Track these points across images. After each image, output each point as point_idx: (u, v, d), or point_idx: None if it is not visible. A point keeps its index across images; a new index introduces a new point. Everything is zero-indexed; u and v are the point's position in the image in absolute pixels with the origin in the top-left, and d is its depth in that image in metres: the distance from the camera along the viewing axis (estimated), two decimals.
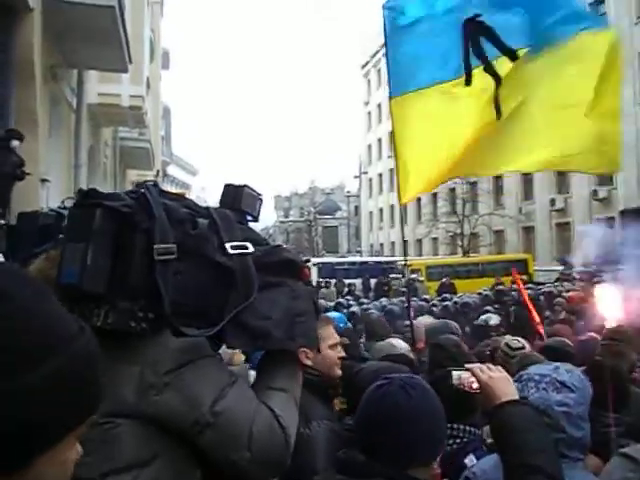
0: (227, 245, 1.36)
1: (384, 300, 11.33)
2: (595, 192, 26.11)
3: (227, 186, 1.58)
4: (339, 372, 2.37)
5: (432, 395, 1.53)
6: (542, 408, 1.77)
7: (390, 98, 4.74)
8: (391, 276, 21.68)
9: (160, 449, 1.28)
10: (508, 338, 3.72)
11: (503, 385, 1.65)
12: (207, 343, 1.35)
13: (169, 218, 1.32)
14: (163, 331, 1.29)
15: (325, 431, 2.12)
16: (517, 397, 1.66)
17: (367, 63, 53.42)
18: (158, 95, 24.03)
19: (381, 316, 6.62)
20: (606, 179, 26.00)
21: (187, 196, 1.63)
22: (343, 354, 2.45)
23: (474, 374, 1.70)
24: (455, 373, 1.74)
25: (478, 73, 4.49)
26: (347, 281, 22.10)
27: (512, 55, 4.40)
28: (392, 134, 4.82)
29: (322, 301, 10.58)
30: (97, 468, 1.22)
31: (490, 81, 4.46)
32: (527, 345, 3.54)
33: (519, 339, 3.61)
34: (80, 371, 0.72)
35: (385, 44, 4.74)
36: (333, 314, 5.74)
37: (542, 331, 5.11)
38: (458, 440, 2.42)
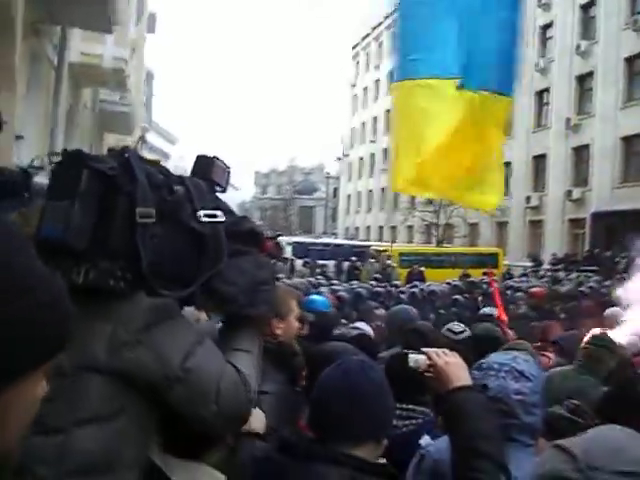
0: (200, 212, 1.42)
1: (355, 283, 11.42)
2: (569, 192, 26.55)
3: (199, 157, 1.64)
4: (295, 345, 2.50)
5: (384, 377, 1.59)
6: (500, 396, 1.85)
7: (392, 83, 4.80)
8: (370, 260, 21.89)
9: (126, 404, 1.33)
10: (450, 324, 3.80)
11: (458, 370, 1.71)
12: (177, 304, 1.41)
13: (149, 183, 1.37)
14: (137, 291, 1.34)
15: (275, 395, 2.19)
16: (470, 383, 1.72)
17: (357, 45, 53.01)
18: (142, 59, 23.53)
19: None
20: (582, 180, 26.46)
21: (164, 164, 1.67)
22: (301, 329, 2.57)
23: (430, 358, 1.75)
24: (412, 356, 1.78)
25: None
26: (320, 262, 22.18)
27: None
28: (391, 117, 4.87)
29: (296, 278, 10.64)
30: (65, 417, 1.28)
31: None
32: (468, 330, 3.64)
33: (460, 324, 3.72)
34: (50, 310, 0.76)
35: (397, 19, 4.79)
36: (316, 297, 5.77)
37: (504, 327, 5.19)
38: (414, 421, 2.51)
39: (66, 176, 1.35)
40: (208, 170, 1.60)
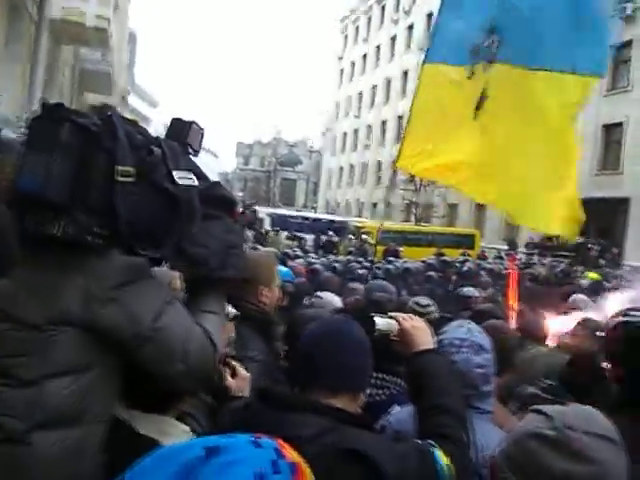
0: (175, 175, 1.44)
1: (331, 257, 11.50)
2: None
3: (175, 120, 1.65)
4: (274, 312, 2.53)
5: (366, 336, 1.63)
6: (464, 371, 1.93)
7: (424, 63, 4.74)
8: (349, 236, 22.01)
9: (96, 358, 1.36)
10: (417, 297, 3.87)
11: (423, 334, 1.79)
12: (148, 264, 1.44)
13: (129, 142, 1.38)
14: (111, 249, 1.37)
15: (260, 362, 2.21)
16: (434, 347, 1.81)
17: (346, 18, 52.28)
18: (126, 19, 22.94)
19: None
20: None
21: (148, 127, 1.68)
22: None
23: (398, 321, 1.81)
24: (379, 320, 1.81)
25: (478, 69, 4.44)
26: (298, 235, 22.22)
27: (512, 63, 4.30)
28: (413, 98, 4.80)
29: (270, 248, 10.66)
30: (37, 370, 1.30)
31: (481, 83, 4.42)
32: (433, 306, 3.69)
33: (426, 298, 3.78)
34: None
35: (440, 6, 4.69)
36: (281, 268, 5.76)
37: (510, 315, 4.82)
38: (387, 391, 2.57)
39: (46, 129, 1.34)
40: (184, 133, 1.61)
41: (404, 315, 1.85)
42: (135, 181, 1.37)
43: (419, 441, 1.51)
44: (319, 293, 3.64)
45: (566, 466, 1.13)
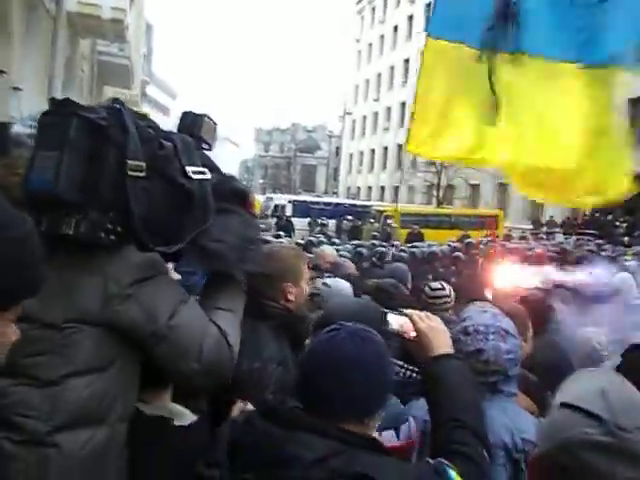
0: (188, 169, 1.41)
1: (355, 242, 11.45)
2: None
3: (186, 113, 1.62)
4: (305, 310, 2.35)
5: (380, 351, 1.43)
6: (493, 359, 1.87)
7: (427, 36, 4.58)
8: (371, 220, 21.91)
9: (116, 356, 1.36)
10: (431, 282, 3.78)
11: (441, 336, 1.62)
12: (163, 261, 1.42)
13: (139, 136, 1.35)
14: (125, 245, 1.35)
15: (283, 363, 2.07)
16: (452, 351, 1.64)
17: None
18: (142, 10, 22.94)
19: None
20: None
21: (165, 119, 1.65)
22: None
23: (412, 321, 1.65)
24: (392, 317, 1.66)
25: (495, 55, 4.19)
26: (321, 221, 22.19)
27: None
28: (418, 74, 4.65)
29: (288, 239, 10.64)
30: (56, 370, 1.30)
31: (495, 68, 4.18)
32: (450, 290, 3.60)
33: (442, 282, 3.69)
34: (17, 255, 0.75)
35: None
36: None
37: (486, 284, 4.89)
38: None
39: (55, 125, 1.32)
40: (196, 127, 1.58)
41: (420, 314, 1.68)
42: (147, 176, 1.34)
43: (432, 461, 1.37)
44: (327, 280, 3.40)
45: (631, 474, 1.03)
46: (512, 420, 1.84)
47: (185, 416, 1.53)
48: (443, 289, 3.56)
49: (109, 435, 1.34)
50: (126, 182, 1.31)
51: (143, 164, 1.34)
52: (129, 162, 1.32)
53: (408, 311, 1.70)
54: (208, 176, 1.46)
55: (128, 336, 1.35)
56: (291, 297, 2.16)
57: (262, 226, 17.14)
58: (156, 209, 1.36)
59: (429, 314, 1.71)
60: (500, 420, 1.82)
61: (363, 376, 1.36)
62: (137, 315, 1.34)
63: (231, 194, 1.55)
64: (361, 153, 50.54)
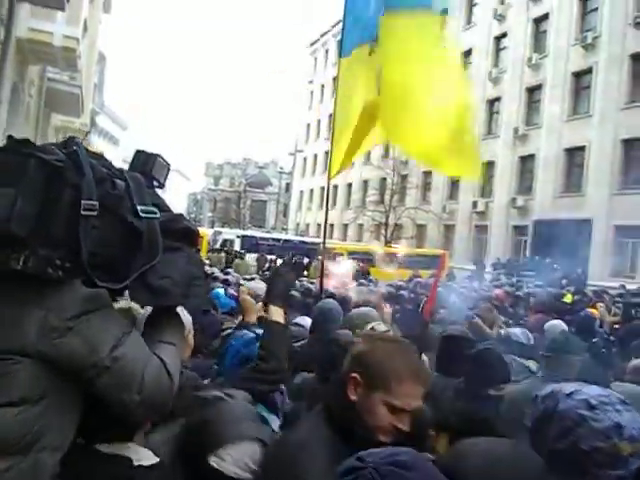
0: (139, 208, 1.46)
1: (304, 279, 11.48)
2: (514, 200, 27.44)
3: (139, 152, 1.68)
4: None
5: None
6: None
7: (339, 59, 4.85)
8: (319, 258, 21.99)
9: (50, 389, 1.36)
10: (375, 323, 3.40)
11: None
12: (108, 294, 1.44)
13: (94, 176, 1.40)
14: (72, 280, 1.37)
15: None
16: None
17: (316, 41, 53.04)
18: (95, 39, 22.78)
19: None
20: (526, 188, 27.39)
21: (114, 150, 1.67)
22: None
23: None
24: None
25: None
26: (269, 257, 22.16)
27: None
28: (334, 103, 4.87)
29: (235, 274, 10.56)
30: None
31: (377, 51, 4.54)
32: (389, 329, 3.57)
33: (381, 323, 3.40)
34: None
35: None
36: (219, 292, 5.70)
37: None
38: None
39: (11, 163, 1.34)
40: (148, 166, 1.63)
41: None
42: (99, 214, 1.38)
43: None
44: (298, 320, 3.44)
45: None
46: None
47: (147, 457, 1.54)
48: (388, 330, 3.54)
49: (33, 463, 1.33)
50: (79, 221, 1.34)
51: (96, 203, 1.37)
52: (84, 202, 1.35)
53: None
54: (157, 215, 1.51)
55: (67, 368, 1.35)
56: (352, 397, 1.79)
57: (209, 261, 16.99)
58: (105, 246, 1.40)
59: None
60: None
61: None
62: (77, 347, 1.34)
63: (180, 232, 1.60)
64: (311, 190, 51.10)
